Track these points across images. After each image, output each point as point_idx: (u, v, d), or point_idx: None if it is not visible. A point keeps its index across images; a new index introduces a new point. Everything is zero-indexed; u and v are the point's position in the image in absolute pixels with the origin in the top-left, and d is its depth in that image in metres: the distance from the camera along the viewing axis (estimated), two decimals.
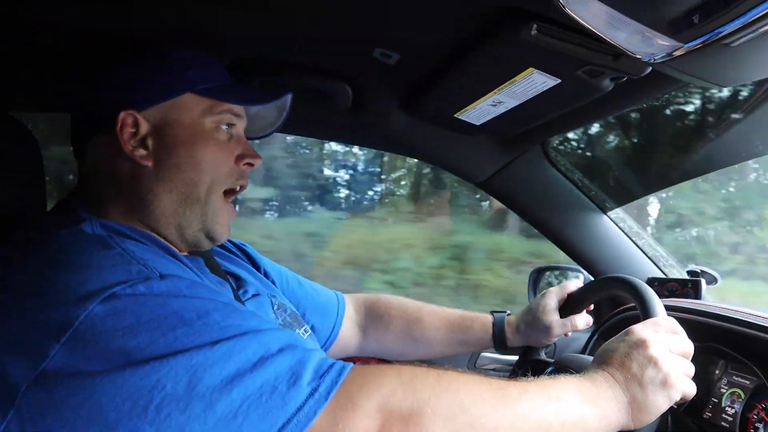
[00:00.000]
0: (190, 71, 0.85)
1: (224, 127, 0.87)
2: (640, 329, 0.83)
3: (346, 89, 1.22)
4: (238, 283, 0.99)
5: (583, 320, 1.15)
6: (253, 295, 0.98)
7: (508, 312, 1.26)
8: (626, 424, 0.76)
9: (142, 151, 0.82)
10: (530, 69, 0.93)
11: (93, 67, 0.88)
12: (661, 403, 0.77)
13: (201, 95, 0.85)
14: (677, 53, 0.69)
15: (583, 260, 1.57)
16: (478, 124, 1.23)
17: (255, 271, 1.12)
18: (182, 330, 0.63)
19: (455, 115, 1.20)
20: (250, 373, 0.62)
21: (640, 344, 0.79)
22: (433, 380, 0.69)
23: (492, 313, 1.25)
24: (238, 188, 0.91)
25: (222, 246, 1.10)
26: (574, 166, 1.49)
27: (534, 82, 0.97)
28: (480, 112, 1.16)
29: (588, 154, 1.56)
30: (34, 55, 1.09)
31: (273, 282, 1.15)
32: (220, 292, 0.73)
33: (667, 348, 0.80)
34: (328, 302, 1.24)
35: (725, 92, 1.32)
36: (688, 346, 0.83)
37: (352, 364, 0.67)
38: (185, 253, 0.91)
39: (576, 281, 1.21)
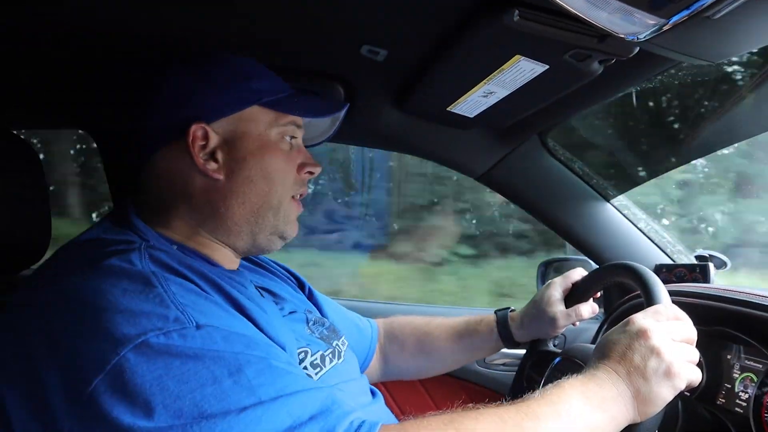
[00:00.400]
0: (254, 82, 0.86)
1: (287, 138, 0.89)
2: (640, 318, 0.81)
3: (338, 89, 1.21)
4: (275, 299, 0.99)
5: (589, 309, 1.13)
6: (290, 312, 0.98)
7: (512, 308, 1.24)
8: (633, 418, 0.75)
9: (213, 164, 0.83)
10: (517, 56, 0.91)
11: (155, 79, 0.87)
12: (665, 393, 0.75)
13: (267, 107, 0.86)
14: (661, 30, 0.67)
15: (588, 250, 1.55)
16: (471, 116, 1.22)
17: (298, 290, 1.13)
18: (211, 389, 0.61)
19: (448, 109, 1.19)
20: None
21: (641, 334, 0.77)
22: None
23: (495, 311, 1.24)
24: (299, 196, 0.92)
25: (266, 266, 1.12)
26: (573, 154, 1.47)
27: (522, 70, 0.96)
28: (472, 104, 1.15)
29: (587, 141, 1.54)
30: (38, 68, 1.10)
31: (317, 303, 1.15)
32: (255, 340, 0.70)
33: (669, 336, 0.78)
34: (364, 332, 1.25)
35: (727, 69, 1.29)
36: (692, 332, 0.81)
37: (380, 425, 0.66)
38: (235, 268, 0.92)
39: (580, 270, 1.19)
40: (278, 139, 0.88)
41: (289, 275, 1.16)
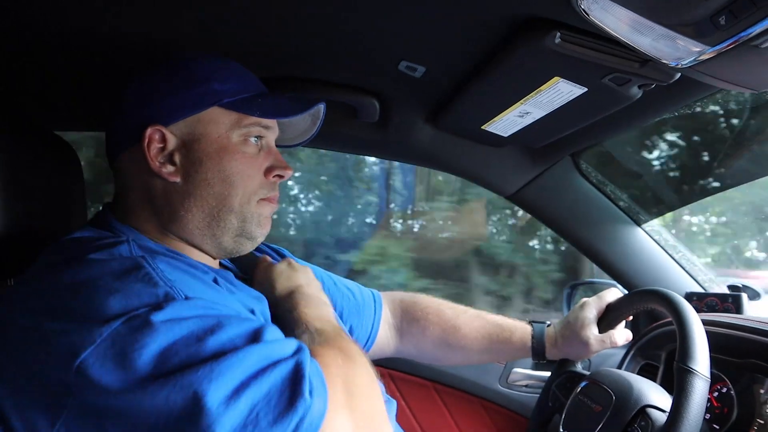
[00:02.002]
0: (216, 83, 0.84)
1: (253, 140, 0.86)
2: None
3: (374, 103, 1.23)
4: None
5: (623, 336, 1.12)
6: None
7: (548, 323, 1.23)
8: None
9: (169, 167, 0.83)
10: (556, 78, 0.92)
11: (118, 80, 0.88)
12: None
13: (228, 108, 0.84)
14: (705, 57, 0.67)
15: (617, 274, 1.53)
16: (505, 135, 1.22)
17: None
18: (195, 346, 0.63)
19: (482, 127, 1.20)
20: (255, 380, 0.63)
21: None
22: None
23: (531, 323, 1.22)
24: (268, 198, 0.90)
25: (261, 252, 1.11)
26: (606, 177, 1.46)
27: (560, 92, 0.96)
28: (507, 123, 1.15)
29: (620, 164, 1.52)
30: (71, 73, 1.13)
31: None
32: (242, 314, 0.74)
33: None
34: (365, 302, 1.22)
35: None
36: None
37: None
38: (216, 266, 0.92)
39: (615, 291, 1.18)
40: (240, 141, 0.85)
41: (280, 257, 1.13)
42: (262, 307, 0.89)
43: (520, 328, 1.22)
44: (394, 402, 1.03)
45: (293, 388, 0.63)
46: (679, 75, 0.85)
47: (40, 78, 1.16)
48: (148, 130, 0.81)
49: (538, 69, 0.90)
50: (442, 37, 0.93)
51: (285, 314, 0.89)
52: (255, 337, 0.67)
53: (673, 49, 0.69)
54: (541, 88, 0.96)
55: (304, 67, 1.13)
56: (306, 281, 0.98)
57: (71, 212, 1.08)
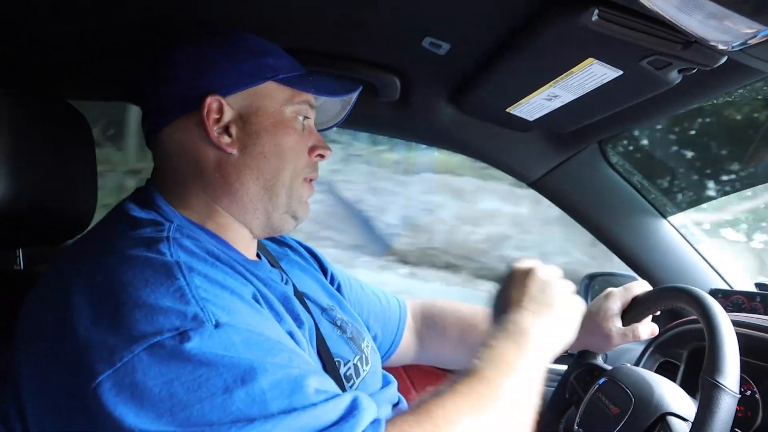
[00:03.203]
0: (271, 58, 0.85)
1: (300, 118, 0.87)
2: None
3: (395, 81, 1.18)
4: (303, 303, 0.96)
5: (648, 330, 1.07)
6: (321, 311, 0.96)
7: None
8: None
9: (226, 138, 0.82)
10: (590, 59, 0.86)
11: (172, 48, 0.85)
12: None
13: (282, 84, 0.85)
14: (758, 39, 0.62)
15: (639, 267, 1.48)
16: (531, 119, 1.17)
17: (322, 275, 1.11)
18: (221, 399, 0.58)
19: (507, 110, 1.15)
20: None
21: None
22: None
23: None
24: (310, 180, 0.90)
25: (294, 249, 1.10)
26: (633, 166, 1.41)
27: (593, 74, 0.90)
28: (533, 106, 1.10)
29: (649, 153, 1.47)
30: (93, 41, 1.10)
31: (339, 286, 1.12)
32: (279, 343, 0.67)
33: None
34: (391, 309, 1.21)
35: None
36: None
37: (382, 424, 0.63)
38: (253, 254, 0.91)
39: (642, 283, 1.13)
40: (292, 118, 0.86)
41: (311, 256, 1.13)
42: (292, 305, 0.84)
43: None
44: (394, 381, 1.02)
45: None
46: (724, 59, 0.79)
47: (56, 44, 1.13)
48: (208, 99, 0.80)
49: (571, 49, 0.85)
50: (469, 12, 0.88)
51: (499, 317, 0.85)
52: (293, 390, 0.62)
53: (723, 30, 0.64)
54: (573, 69, 0.90)
55: (324, 41, 1.09)
56: (562, 321, 0.88)
57: (81, 183, 1.06)
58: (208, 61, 0.83)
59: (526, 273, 0.87)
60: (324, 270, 1.13)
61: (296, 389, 0.62)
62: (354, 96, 0.95)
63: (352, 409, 0.63)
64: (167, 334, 0.60)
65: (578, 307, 0.88)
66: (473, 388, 0.70)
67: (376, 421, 0.63)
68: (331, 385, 0.67)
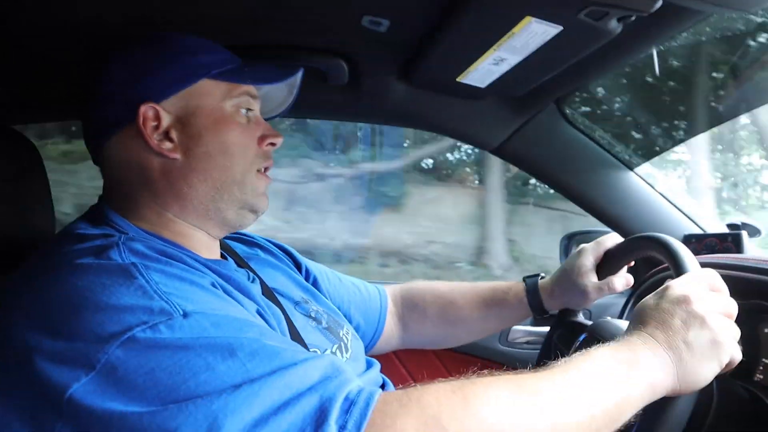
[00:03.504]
0: (202, 56, 0.83)
1: (243, 111, 0.85)
2: (681, 284, 0.74)
3: (341, 64, 1.16)
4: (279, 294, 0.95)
5: (622, 281, 1.06)
6: (294, 304, 0.95)
7: (542, 275, 1.18)
8: (672, 389, 0.69)
9: (167, 144, 0.80)
10: (527, 18, 0.85)
11: (99, 62, 0.84)
12: (708, 366, 0.69)
13: (217, 80, 0.83)
14: None
15: (613, 222, 1.48)
16: (483, 86, 1.15)
17: (296, 271, 1.09)
18: (204, 375, 0.59)
19: (458, 80, 1.13)
20: (275, 417, 0.57)
21: (682, 300, 0.71)
22: (457, 404, 0.61)
23: (524, 279, 1.18)
24: (263, 169, 0.88)
25: (265, 249, 1.08)
26: (593, 121, 1.40)
27: (534, 33, 0.89)
28: (482, 72, 1.09)
29: (607, 107, 1.46)
30: (31, 62, 1.07)
31: (315, 280, 1.11)
32: (248, 322, 0.67)
33: (712, 306, 0.71)
34: (371, 298, 1.20)
35: (758, 19, 1.19)
36: (733, 306, 0.74)
37: (379, 393, 0.62)
38: (216, 254, 0.89)
39: (614, 236, 1.12)
40: (234, 112, 0.84)
41: (284, 254, 1.12)
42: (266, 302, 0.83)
43: (513, 287, 1.18)
44: (377, 363, 1.01)
45: (318, 427, 0.57)
46: (660, 3, 0.78)
47: None
48: (142, 108, 0.78)
49: (507, 10, 0.83)
50: None
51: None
52: (271, 356, 0.62)
53: None
54: (513, 30, 0.89)
55: (265, 33, 1.06)
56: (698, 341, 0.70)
57: (35, 210, 1.03)
58: (137, 70, 0.81)
59: (681, 298, 0.72)
60: (298, 266, 1.13)
61: (274, 355, 0.62)
62: (297, 78, 0.92)
63: (335, 369, 0.63)
64: (137, 329, 0.60)
65: (721, 359, 0.70)
66: (534, 383, 0.64)
67: (371, 393, 0.61)
68: (306, 352, 0.67)
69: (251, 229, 1.01)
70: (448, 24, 0.93)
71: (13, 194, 0.98)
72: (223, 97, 0.83)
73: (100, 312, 0.61)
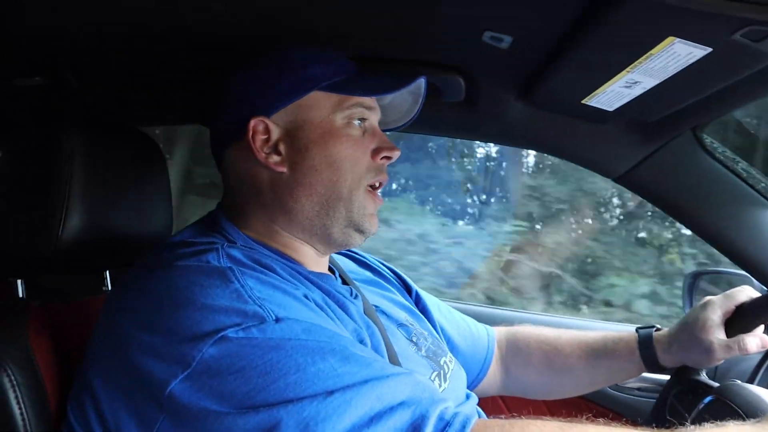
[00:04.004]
0: (312, 68, 0.83)
1: (356, 122, 0.85)
2: None
3: (458, 80, 1.12)
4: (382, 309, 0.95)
5: (757, 342, 0.94)
6: (398, 326, 0.94)
7: (657, 327, 1.08)
8: None
9: (275, 158, 0.81)
10: (670, 38, 0.76)
11: (218, 73, 0.89)
12: None
13: (328, 91, 0.83)
14: None
15: (751, 265, 1.30)
16: (610, 110, 1.07)
17: (405, 295, 1.08)
18: (295, 376, 0.60)
19: (583, 101, 1.05)
20: (367, 429, 0.57)
21: None
22: None
23: (637, 330, 1.08)
24: (377, 184, 0.87)
25: (375, 270, 1.09)
26: (737, 152, 1.25)
27: (676, 55, 0.80)
28: (612, 95, 1.00)
29: (755, 136, 1.30)
30: (159, 67, 1.13)
31: (425, 308, 1.09)
32: (339, 335, 0.68)
33: None
34: (480, 336, 1.17)
35: None
36: None
37: (476, 418, 0.60)
38: (324, 268, 0.90)
39: (748, 290, 1.00)
40: (344, 124, 0.83)
41: (395, 277, 1.10)
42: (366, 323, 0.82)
43: (625, 337, 1.09)
44: (474, 396, 0.98)
45: None
46: None
47: (125, 75, 1.17)
48: (252, 122, 0.81)
49: (647, 29, 0.75)
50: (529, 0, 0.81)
51: None
52: (363, 365, 0.63)
53: None
54: (651, 51, 0.80)
55: (383, 47, 1.05)
56: None
57: (157, 205, 1.10)
58: (250, 84, 0.83)
59: None
60: (408, 290, 1.11)
61: (365, 364, 0.63)
62: (421, 87, 0.90)
63: (424, 388, 0.63)
64: (230, 329, 0.62)
65: None
66: None
67: (467, 417, 0.60)
68: (395, 367, 0.67)
69: None
70: (576, 42, 0.86)
71: (136, 193, 1.05)
72: (333, 109, 0.83)
73: (197, 311, 0.64)
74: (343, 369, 0.61)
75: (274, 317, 0.64)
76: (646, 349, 1.05)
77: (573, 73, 0.96)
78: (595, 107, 1.06)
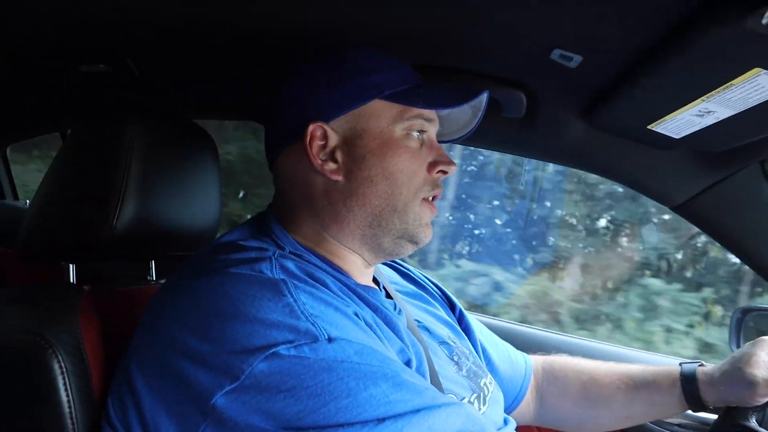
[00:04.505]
0: (376, 75, 0.81)
1: (415, 134, 0.82)
2: None
3: (520, 96, 1.10)
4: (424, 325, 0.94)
5: None
6: (439, 343, 0.92)
7: (701, 362, 1.04)
8: None
9: (331, 165, 0.80)
10: (756, 69, 0.72)
11: (277, 74, 0.87)
12: None
13: (389, 101, 0.80)
14: None
15: None
16: (677, 137, 1.03)
17: (448, 311, 1.07)
18: (346, 401, 0.58)
19: (648, 127, 1.01)
20: None
21: None
22: None
23: (681, 364, 1.04)
24: (431, 198, 0.84)
25: (418, 283, 1.07)
26: None
27: (760, 87, 0.76)
28: (681, 123, 0.96)
29: None
30: (214, 62, 1.14)
31: (468, 327, 1.08)
32: (390, 359, 0.66)
33: None
34: (518, 362, 1.14)
35: None
36: None
37: None
38: (368, 280, 0.88)
39: None
40: (403, 136, 0.81)
41: (438, 292, 1.08)
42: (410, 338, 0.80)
43: (667, 370, 1.05)
44: (513, 421, 0.95)
45: None
46: None
47: (185, 67, 1.19)
48: (310, 127, 0.79)
49: (732, 58, 0.72)
50: (607, 20, 0.78)
51: None
52: (415, 393, 0.61)
53: None
54: (732, 81, 0.77)
55: (448, 57, 1.04)
56: None
57: (206, 198, 1.10)
58: (310, 88, 0.81)
59: None
60: (452, 307, 1.09)
61: (416, 392, 0.61)
62: (481, 101, 0.86)
63: (474, 420, 0.62)
64: (282, 345, 0.61)
65: None
66: None
67: None
68: (446, 396, 0.66)
69: None
70: (652, 66, 0.83)
71: (188, 186, 1.05)
72: (393, 120, 0.80)
73: (248, 323, 0.62)
74: (395, 396, 0.60)
75: (326, 336, 0.62)
76: (689, 383, 1.00)
77: (643, 98, 0.93)
78: (660, 133, 1.03)
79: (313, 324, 0.63)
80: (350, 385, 0.59)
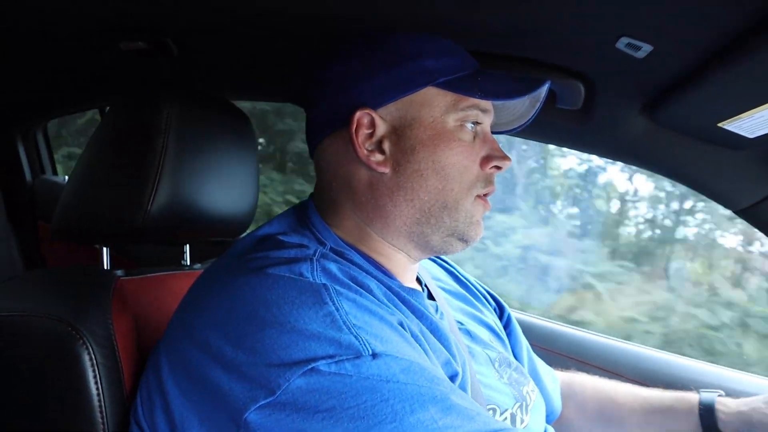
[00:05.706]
0: (429, 60, 0.74)
1: (469, 125, 0.76)
2: None
3: (579, 87, 1.03)
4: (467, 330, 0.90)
5: None
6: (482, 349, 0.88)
7: (720, 392, 0.99)
8: None
9: (378, 156, 0.74)
10: None
11: (320, 58, 0.81)
12: None
13: (443, 89, 0.74)
14: None
15: None
16: (750, 137, 0.95)
17: (495, 316, 1.03)
18: (390, 426, 0.54)
19: (719, 125, 0.94)
20: None
21: None
22: None
23: (699, 391, 1.00)
24: (483, 195, 0.79)
25: (464, 283, 1.02)
26: None
27: None
28: (757, 122, 0.89)
29: None
30: (253, 43, 1.10)
31: (513, 331, 1.04)
32: (439, 378, 0.62)
33: None
34: (554, 374, 1.11)
35: None
36: None
37: None
38: (412, 280, 0.84)
39: None
40: (457, 127, 0.75)
41: (487, 296, 1.04)
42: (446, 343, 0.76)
43: (686, 396, 1.00)
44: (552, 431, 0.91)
45: None
46: None
47: (225, 46, 1.15)
48: (357, 114, 0.73)
49: None
50: (681, 7, 0.71)
51: None
52: (465, 418, 0.57)
53: None
54: None
55: (506, 44, 0.98)
56: None
57: (243, 181, 1.07)
58: (356, 72, 0.75)
59: None
60: (501, 311, 1.05)
61: (467, 417, 0.57)
62: (541, 92, 0.79)
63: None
64: (322, 361, 0.56)
65: None
66: None
67: None
68: (497, 421, 0.61)
69: None
70: (730, 60, 0.76)
71: (225, 170, 1.02)
72: (446, 110, 0.74)
73: (285, 334, 0.58)
74: (445, 421, 0.55)
75: (370, 351, 0.58)
76: (707, 411, 0.96)
77: (716, 93, 0.86)
78: (732, 132, 0.95)
79: (356, 337, 0.58)
80: (395, 408, 0.54)
